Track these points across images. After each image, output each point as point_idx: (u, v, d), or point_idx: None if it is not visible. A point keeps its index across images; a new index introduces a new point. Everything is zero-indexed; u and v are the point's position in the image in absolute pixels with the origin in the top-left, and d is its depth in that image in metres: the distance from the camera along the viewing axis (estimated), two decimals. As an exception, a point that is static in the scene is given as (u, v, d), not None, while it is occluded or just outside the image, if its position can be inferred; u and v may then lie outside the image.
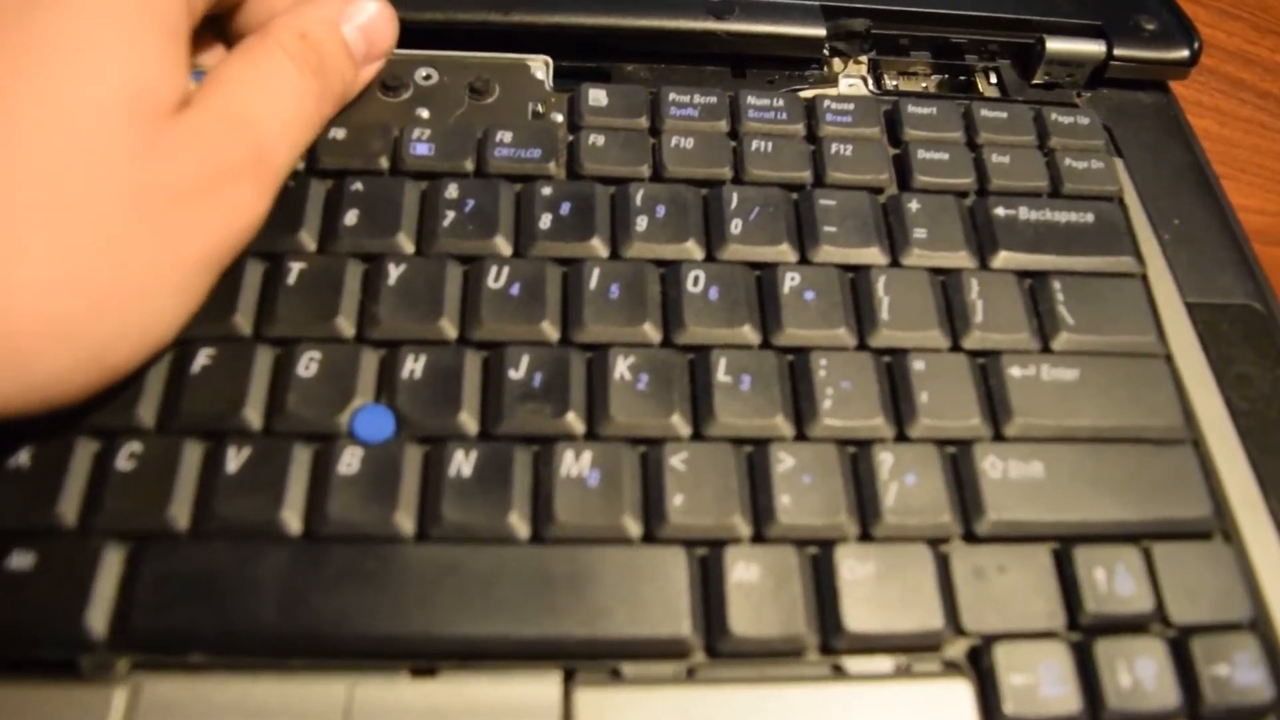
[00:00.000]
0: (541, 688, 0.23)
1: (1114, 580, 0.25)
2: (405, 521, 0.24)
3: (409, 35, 0.30)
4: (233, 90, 0.25)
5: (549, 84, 0.31)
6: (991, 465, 0.26)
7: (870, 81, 0.34)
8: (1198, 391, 0.28)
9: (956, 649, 0.24)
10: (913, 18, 0.35)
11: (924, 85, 0.35)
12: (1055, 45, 0.34)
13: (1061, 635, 0.24)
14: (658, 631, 0.23)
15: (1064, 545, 0.25)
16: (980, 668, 0.24)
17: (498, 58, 0.31)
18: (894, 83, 0.35)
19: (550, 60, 0.32)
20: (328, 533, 0.24)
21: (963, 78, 0.35)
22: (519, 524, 0.24)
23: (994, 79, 0.35)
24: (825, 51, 0.34)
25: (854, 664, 0.24)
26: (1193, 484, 0.27)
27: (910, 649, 0.24)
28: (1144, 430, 0.27)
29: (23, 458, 0.24)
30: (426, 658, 0.23)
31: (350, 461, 0.24)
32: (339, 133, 0.29)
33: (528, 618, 0.23)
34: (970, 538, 0.25)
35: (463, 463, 0.24)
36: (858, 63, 0.35)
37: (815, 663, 0.24)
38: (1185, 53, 0.35)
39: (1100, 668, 0.24)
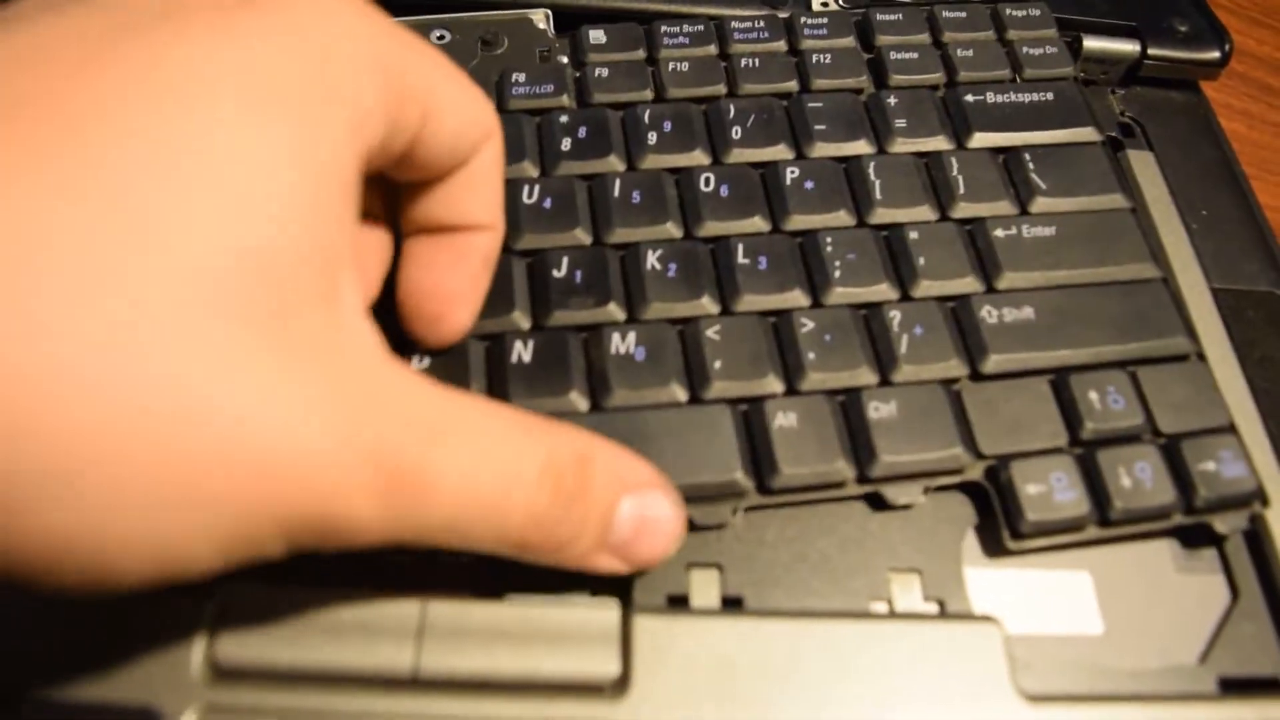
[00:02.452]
0: (602, 614, 0.25)
1: (1107, 400, 0.28)
2: (478, 407, 0.27)
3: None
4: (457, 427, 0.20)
5: (551, 32, 0.34)
6: (988, 313, 0.29)
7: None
8: (1223, 373, 0.30)
9: (976, 471, 0.27)
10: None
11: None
12: (1092, 43, 0.37)
13: (1066, 451, 0.27)
14: (714, 477, 0.26)
15: (1059, 376, 0.28)
16: (999, 483, 0.27)
17: (502, 15, 0.34)
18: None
19: (550, 11, 0.35)
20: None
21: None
22: (579, 399, 0.27)
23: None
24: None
25: (891, 491, 0.27)
26: (1167, 315, 0.30)
27: (936, 473, 0.27)
28: (1118, 274, 0.30)
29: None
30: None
31: (422, 359, 0.27)
32: (370, 84, 0.32)
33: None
34: (977, 377, 0.28)
35: (522, 350, 0.27)
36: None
37: (856, 492, 0.27)
38: (1216, 53, 0.37)
39: (1104, 473, 0.27)
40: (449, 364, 0.27)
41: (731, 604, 0.26)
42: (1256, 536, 0.28)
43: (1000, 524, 0.27)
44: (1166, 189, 0.35)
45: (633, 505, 0.22)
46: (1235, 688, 0.26)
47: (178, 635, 0.23)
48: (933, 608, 0.26)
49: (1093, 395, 0.28)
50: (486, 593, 0.25)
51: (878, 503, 0.27)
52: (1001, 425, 0.28)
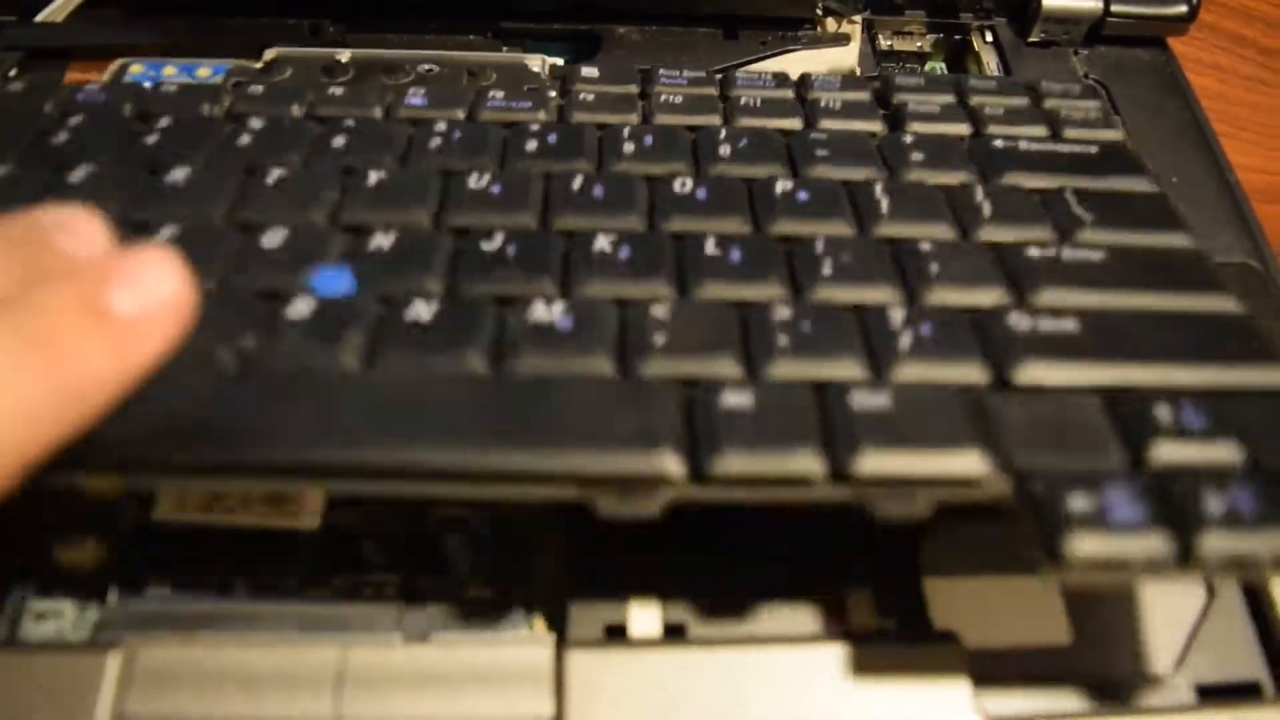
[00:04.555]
0: (534, 651, 0.22)
1: (1182, 418, 0.21)
2: (351, 358, 0.21)
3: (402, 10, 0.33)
4: None
5: (545, 74, 0.33)
6: (1018, 320, 0.23)
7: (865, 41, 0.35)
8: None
9: (1002, 484, 0.20)
10: (906, -27, 0.36)
11: (919, 45, 0.36)
12: (1051, 1, 0.35)
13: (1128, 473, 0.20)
14: (633, 450, 0.20)
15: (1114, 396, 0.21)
16: (1034, 498, 0.19)
17: (499, 56, 0.33)
18: (888, 43, 0.36)
19: (546, 58, 0.33)
20: (271, 367, 0.21)
21: (958, 36, 0.36)
22: (477, 361, 0.21)
23: (989, 37, 0.36)
24: (818, 11, 0.35)
25: (879, 498, 0.20)
26: (1261, 346, 0.23)
27: (943, 483, 0.20)
28: (1191, 305, 0.24)
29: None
30: (386, 480, 0.20)
31: (302, 309, 0.22)
32: (336, 90, 0.30)
33: (494, 444, 0.20)
34: (1003, 388, 0.22)
35: (422, 310, 0.22)
36: (851, 22, 0.36)
37: (826, 496, 0.20)
38: (1183, 8, 0.35)
39: (1184, 497, 0.19)
40: (331, 313, 0.22)
41: (673, 632, 0.24)
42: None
43: (1034, 546, 0.19)
44: None
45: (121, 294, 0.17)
46: (1214, 695, 0.24)
47: (81, 691, 0.21)
48: (889, 626, 0.24)
49: (1162, 411, 0.21)
50: (411, 632, 0.23)
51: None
52: (1035, 433, 0.20)
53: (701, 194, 0.26)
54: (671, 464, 0.20)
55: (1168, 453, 0.20)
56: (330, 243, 0.24)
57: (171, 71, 0.31)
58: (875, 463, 0.20)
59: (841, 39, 0.35)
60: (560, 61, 0.34)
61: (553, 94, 0.31)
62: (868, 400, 0.21)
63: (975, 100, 0.31)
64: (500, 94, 0.30)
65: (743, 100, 0.30)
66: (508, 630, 0.23)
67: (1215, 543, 0.18)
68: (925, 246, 0.25)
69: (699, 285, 0.23)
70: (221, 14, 0.35)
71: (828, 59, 0.35)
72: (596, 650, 0.22)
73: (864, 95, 0.31)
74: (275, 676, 0.22)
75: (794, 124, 0.30)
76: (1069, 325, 0.23)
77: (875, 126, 0.30)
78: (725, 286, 0.23)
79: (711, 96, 0.31)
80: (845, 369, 0.22)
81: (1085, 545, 0.18)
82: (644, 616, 0.24)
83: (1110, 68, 0.36)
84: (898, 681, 0.22)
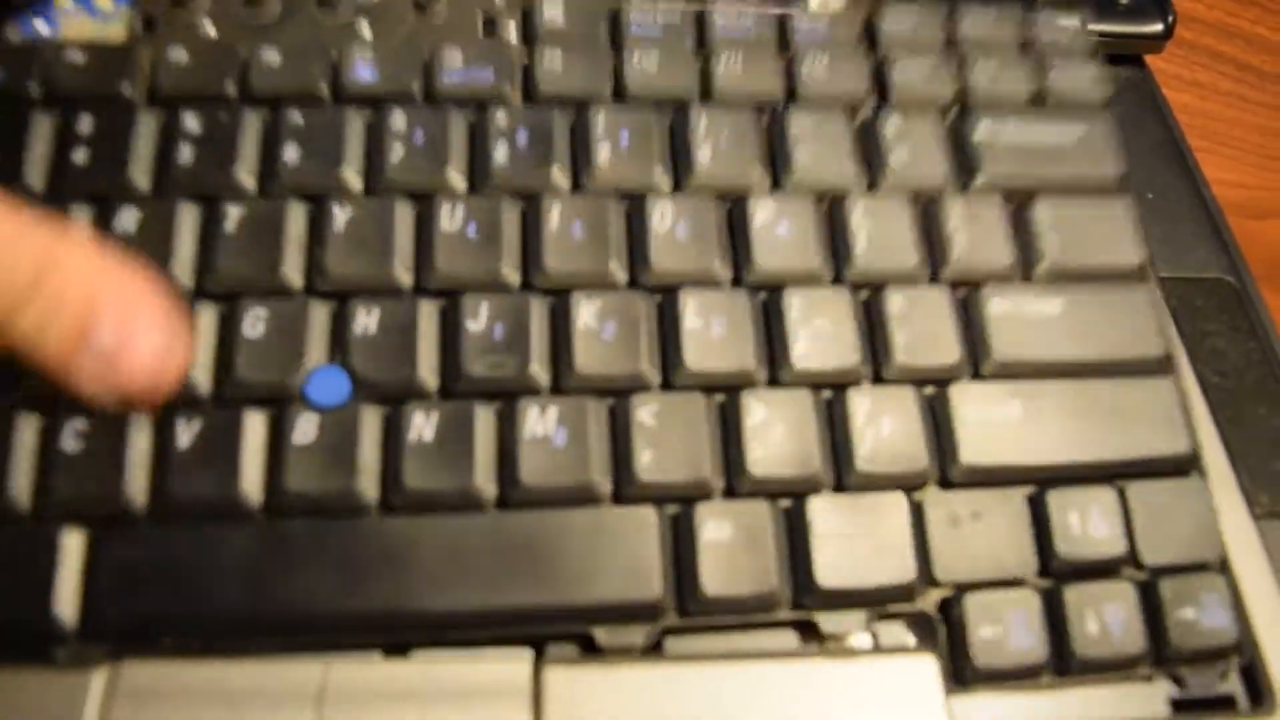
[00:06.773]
0: (512, 667, 0.23)
1: (1087, 524, 0.25)
2: (368, 489, 0.23)
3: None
4: None
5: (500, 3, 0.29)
6: (969, 406, 0.25)
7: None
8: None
9: (928, 600, 0.24)
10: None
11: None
12: None
13: (1032, 583, 0.24)
14: (629, 595, 0.23)
15: (1039, 489, 0.25)
16: (950, 619, 0.24)
17: (443, -37, 0.29)
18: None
19: (500, -25, 0.29)
20: (288, 507, 0.23)
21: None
22: (484, 488, 0.23)
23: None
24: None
25: (826, 620, 0.24)
26: (1172, 418, 0.26)
27: (882, 601, 0.24)
28: (1124, 361, 0.26)
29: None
30: (395, 632, 0.23)
31: (306, 429, 0.23)
32: (272, 55, 0.26)
33: (497, 588, 0.23)
34: (945, 483, 0.25)
35: (423, 425, 0.23)
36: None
37: (787, 620, 0.24)
38: (1159, 26, 0.35)
39: (1069, 616, 0.24)
40: (335, 431, 0.23)
41: (650, 648, 0.23)
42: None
43: (941, 687, 0.24)
44: None
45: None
46: (1187, 708, 0.24)
47: (64, 711, 0.21)
48: (866, 640, 0.24)
49: (1072, 517, 0.25)
50: (393, 649, 0.23)
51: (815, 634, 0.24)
52: (964, 546, 0.24)
53: (681, 230, 0.26)
54: (663, 601, 0.23)
55: (1069, 554, 0.24)
56: (313, 322, 0.24)
57: (65, 4, 0.26)
58: (828, 592, 0.23)
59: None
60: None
61: (512, 39, 0.28)
62: (829, 520, 0.24)
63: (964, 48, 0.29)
64: (458, 58, 0.27)
65: (722, 63, 0.28)
66: (487, 645, 0.23)
67: (1081, 655, 0.24)
68: (896, 302, 0.26)
69: (680, 369, 0.25)
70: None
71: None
72: (575, 666, 0.23)
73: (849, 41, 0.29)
74: (258, 691, 0.22)
75: (775, 91, 0.28)
76: (1013, 409, 0.25)
77: (860, 91, 0.28)
78: (705, 367, 0.25)
79: (688, 54, 0.28)
80: (812, 480, 0.24)
81: (985, 666, 0.23)
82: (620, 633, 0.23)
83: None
84: (875, 698, 0.23)
